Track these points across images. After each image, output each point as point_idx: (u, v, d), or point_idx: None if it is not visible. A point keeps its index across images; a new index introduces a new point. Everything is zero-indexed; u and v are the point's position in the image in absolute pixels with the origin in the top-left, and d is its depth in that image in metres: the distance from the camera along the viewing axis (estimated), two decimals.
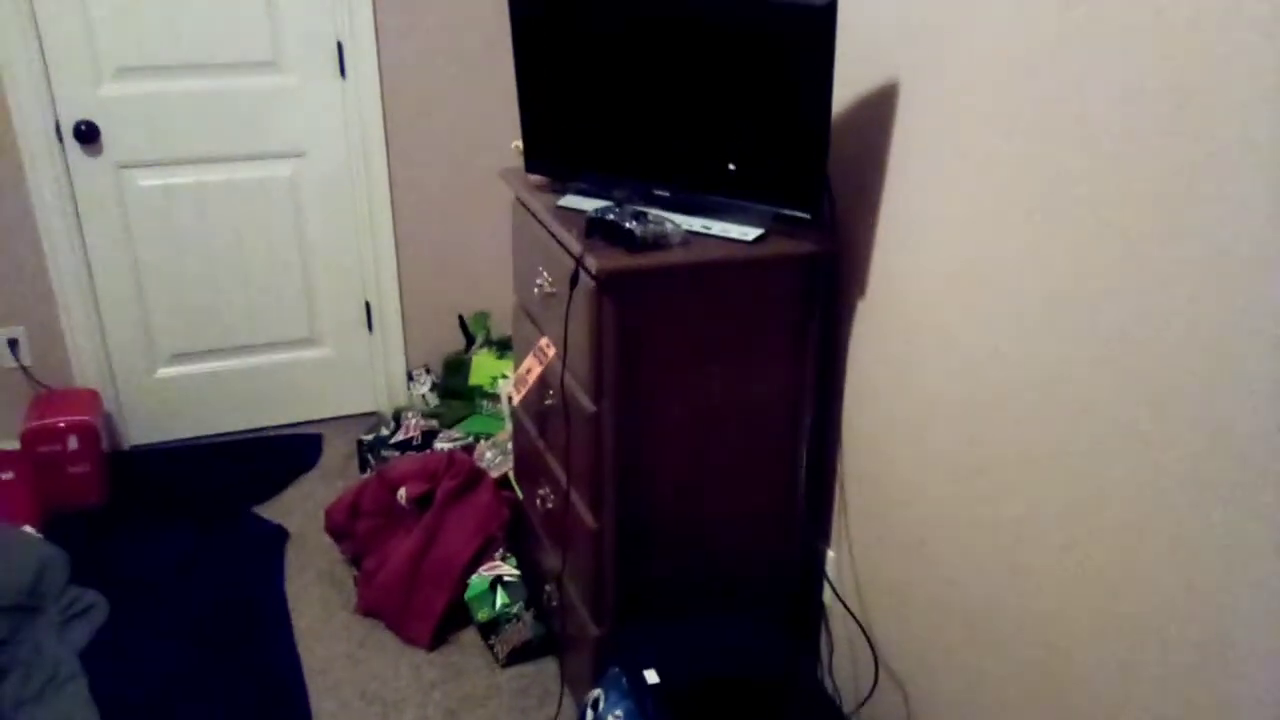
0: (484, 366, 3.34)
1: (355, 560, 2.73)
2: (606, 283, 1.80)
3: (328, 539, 2.85)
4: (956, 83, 1.62)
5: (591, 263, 1.78)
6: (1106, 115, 1.33)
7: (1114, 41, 1.30)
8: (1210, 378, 1.21)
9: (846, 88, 1.92)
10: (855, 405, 2.03)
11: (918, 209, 1.76)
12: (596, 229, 1.86)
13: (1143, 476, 1.33)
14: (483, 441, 3.03)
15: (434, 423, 3.22)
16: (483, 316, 3.51)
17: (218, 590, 2.68)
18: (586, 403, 1.92)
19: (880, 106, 1.83)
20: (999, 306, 1.58)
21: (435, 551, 2.57)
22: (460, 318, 3.51)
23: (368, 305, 3.43)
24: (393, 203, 3.33)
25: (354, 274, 3.38)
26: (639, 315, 1.84)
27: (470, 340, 3.49)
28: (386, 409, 3.51)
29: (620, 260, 1.78)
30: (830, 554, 2.19)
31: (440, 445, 3.09)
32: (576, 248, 1.84)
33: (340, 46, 3.11)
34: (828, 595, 2.21)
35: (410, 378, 3.51)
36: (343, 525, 2.73)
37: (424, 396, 3.43)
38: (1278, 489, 1.14)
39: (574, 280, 1.86)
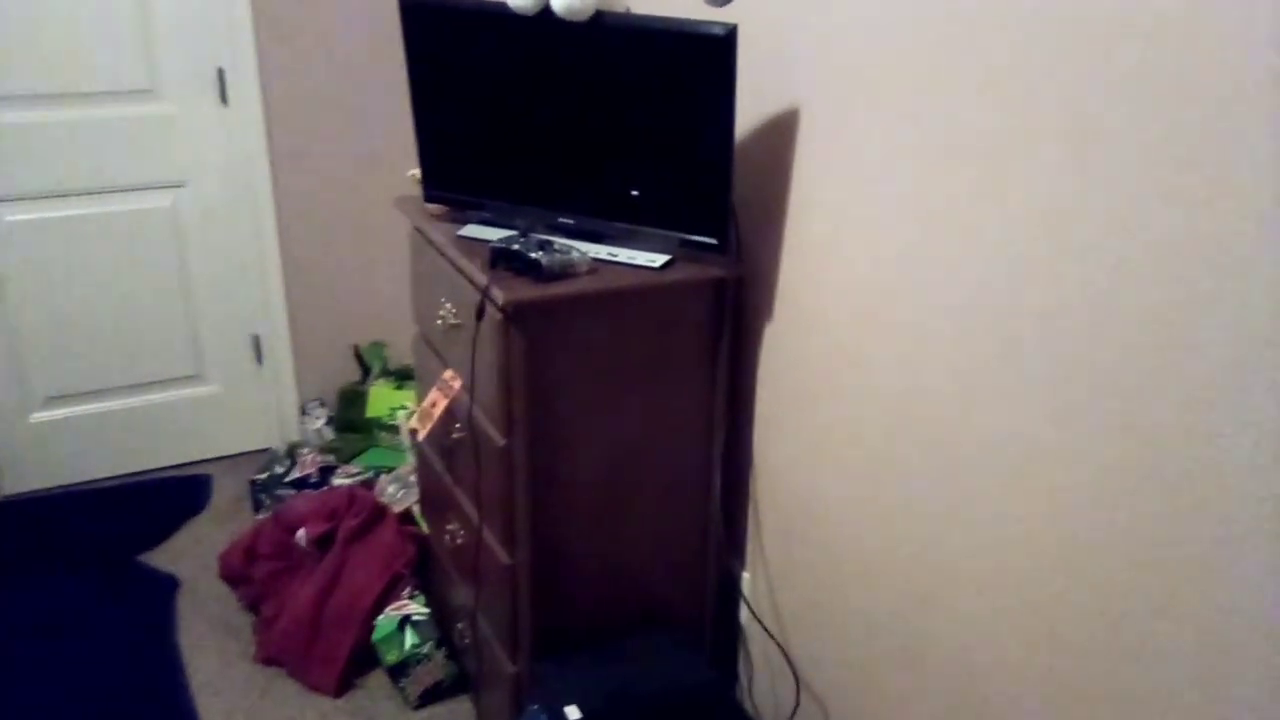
0: (382, 398, 3.25)
1: (253, 607, 2.62)
2: (514, 314, 1.76)
3: (222, 586, 2.73)
4: (855, 107, 1.64)
5: (498, 294, 1.75)
6: (1002, 133, 1.36)
7: (1009, 59, 1.33)
8: (1129, 385, 1.24)
9: (749, 113, 1.93)
10: (766, 427, 2.03)
11: (820, 232, 1.77)
12: (501, 259, 1.83)
13: (1058, 490, 1.36)
14: (384, 476, 2.95)
15: (331, 458, 3.13)
16: (378, 346, 3.42)
17: (106, 645, 2.54)
18: (496, 436, 1.88)
19: (782, 132, 1.84)
20: (904, 326, 1.60)
21: (339, 593, 2.48)
22: (355, 348, 3.42)
23: (256, 338, 3.31)
24: (280, 232, 3.22)
25: (241, 306, 3.26)
26: (548, 345, 1.81)
27: (366, 371, 3.40)
28: (279, 445, 3.39)
29: (527, 291, 1.75)
30: (745, 575, 2.19)
31: (339, 481, 2.99)
32: (482, 279, 1.80)
33: (221, 73, 3.00)
34: (745, 617, 2.20)
35: (304, 412, 3.40)
36: (238, 570, 2.62)
37: (319, 431, 3.33)
38: (1210, 507, 1.17)
39: (480, 312, 1.82)
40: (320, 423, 3.34)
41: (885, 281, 1.63)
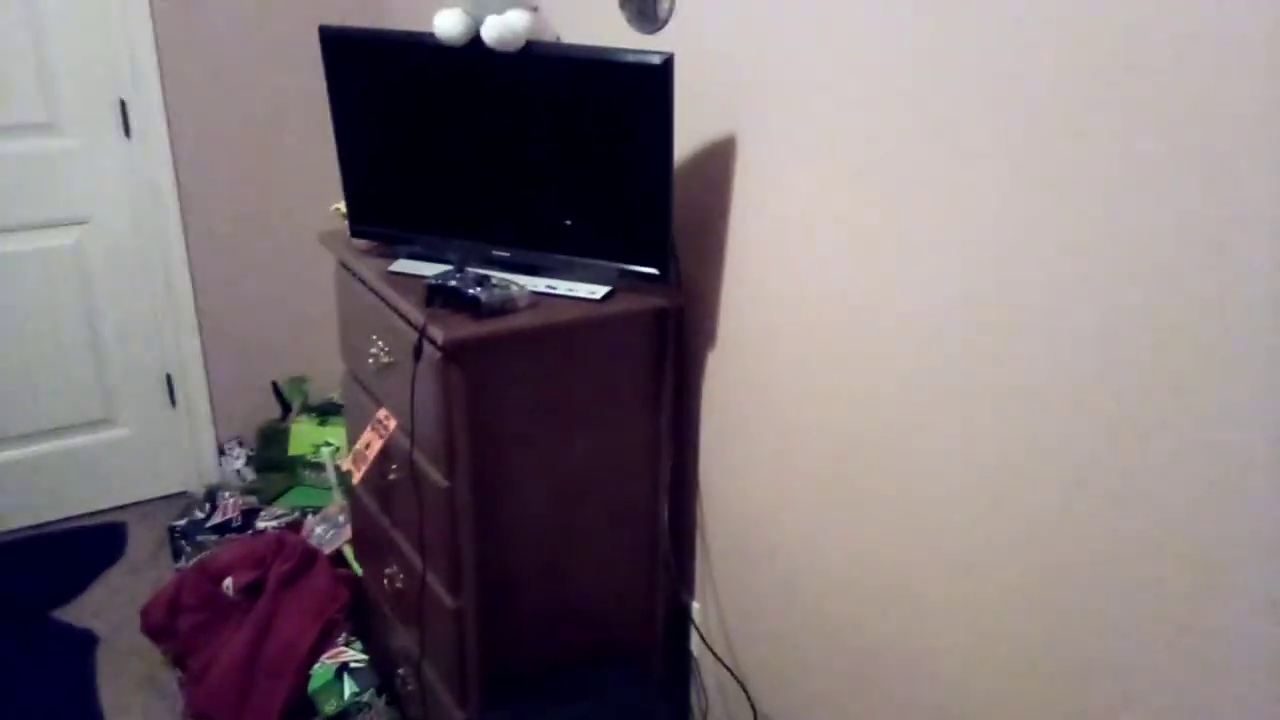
0: (304, 435, 3.15)
1: (179, 661, 2.51)
2: (454, 353, 1.71)
3: (144, 640, 2.60)
4: (791, 134, 1.63)
5: (436, 333, 1.69)
6: (941, 155, 1.36)
7: (944, 81, 1.34)
8: (1092, 403, 1.25)
9: (685, 140, 1.91)
10: (711, 455, 2.01)
11: (760, 258, 1.76)
12: (438, 296, 1.77)
13: (1020, 510, 1.36)
14: (311, 516, 2.85)
15: (253, 500, 3.02)
16: (299, 381, 3.32)
17: (20, 711, 2.40)
18: (438, 478, 1.83)
19: (719, 159, 1.83)
20: (848, 350, 1.60)
21: (271, 642, 2.38)
22: (274, 384, 3.31)
23: (169, 378, 3.18)
24: (190, 266, 3.10)
25: (152, 345, 3.12)
26: (490, 383, 1.76)
27: (287, 408, 3.29)
28: (197, 488, 3.25)
29: (466, 328, 1.70)
30: (695, 604, 2.16)
31: (263, 524, 2.89)
32: (418, 318, 1.75)
33: (123, 104, 2.88)
34: (696, 647, 2.18)
35: (222, 452, 3.27)
36: (162, 624, 2.50)
37: (239, 471, 3.21)
38: (1184, 512, 1.18)
39: (418, 352, 1.77)
40: (240, 463, 3.22)
41: (827, 306, 1.63)
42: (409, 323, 1.81)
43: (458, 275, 1.78)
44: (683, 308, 1.98)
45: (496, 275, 1.82)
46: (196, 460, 3.27)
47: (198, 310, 3.15)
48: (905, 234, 1.45)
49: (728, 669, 2.08)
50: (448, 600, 1.90)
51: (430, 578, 1.95)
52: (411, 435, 1.88)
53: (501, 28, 1.70)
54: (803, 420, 1.74)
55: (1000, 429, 1.36)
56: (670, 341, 1.92)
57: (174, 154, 2.99)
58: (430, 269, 1.92)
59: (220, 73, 2.99)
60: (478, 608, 1.89)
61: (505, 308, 1.76)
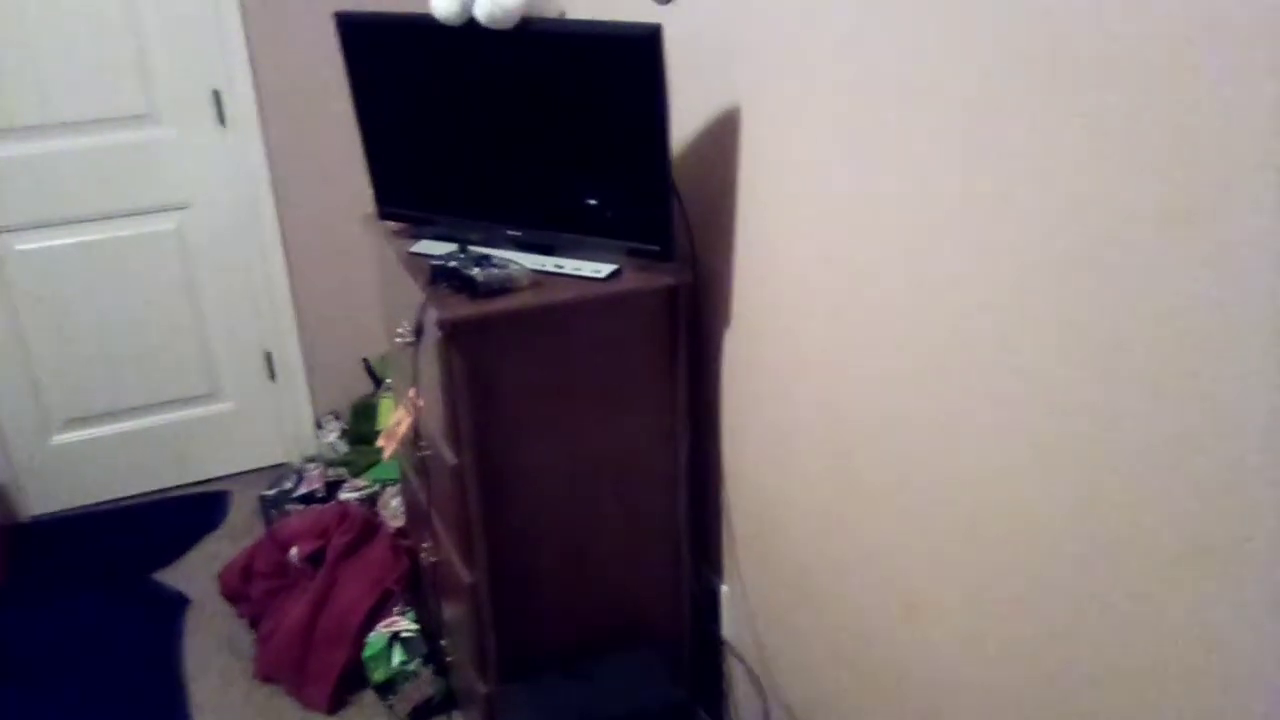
0: (391, 410, 3.25)
1: (254, 624, 2.64)
2: (451, 332, 1.72)
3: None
4: (800, 101, 1.56)
5: (433, 313, 1.71)
6: (962, 118, 1.27)
7: (962, 40, 1.25)
8: (1105, 393, 1.16)
9: (698, 114, 1.86)
10: (732, 436, 1.97)
11: (771, 232, 1.70)
12: (440, 276, 1.79)
13: (1035, 501, 1.27)
14: (389, 489, 2.94)
15: (342, 472, 3.14)
16: (388, 358, 3.42)
17: (114, 664, 2.58)
18: (448, 455, 1.85)
19: (729, 131, 1.77)
20: (864, 326, 1.52)
21: (330, 610, 2.48)
22: (365, 361, 3.43)
23: (268, 354, 3.34)
24: (285, 248, 3.24)
25: (251, 323, 3.29)
26: (491, 363, 1.77)
27: (378, 383, 3.41)
28: (296, 459, 3.42)
29: (463, 308, 1.71)
30: (724, 588, 2.12)
31: (345, 495, 3.00)
32: (418, 297, 1.77)
33: (217, 94, 3.02)
34: (725, 630, 2.14)
35: (319, 425, 3.42)
36: (237, 588, 2.64)
37: (332, 444, 3.34)
38: (1189, 523, 1.08)
39: (419, 330, 1.79)
40: (334, 436, 3.35)
41: (840, 282, 1.55)
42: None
43: (460, 255, 1.79)
44: (695, 286, 1.94)
45: (499, 255, 1.82)
46: (295, 433, 3.43)
47: (293, 289, 3.29)
48: (926, 207, 1.37)
49: (736, 654, 2.04)
50: (464, 574, 1.93)
51: (448, 551, 1.99)
52: (419, 413, 1.91)
53: (492, 6, 1.69)
54: (811, 402, 1.68)
55: (1018, 415, 1.27)
56: (682, 321, 1.88)
57: (267, 142, 3.12)
58: (447, 249, 1.94)
59: (307, 59, 3.09)
60: (491, 583, 1.91)
61: (504, 287, 1.77)
